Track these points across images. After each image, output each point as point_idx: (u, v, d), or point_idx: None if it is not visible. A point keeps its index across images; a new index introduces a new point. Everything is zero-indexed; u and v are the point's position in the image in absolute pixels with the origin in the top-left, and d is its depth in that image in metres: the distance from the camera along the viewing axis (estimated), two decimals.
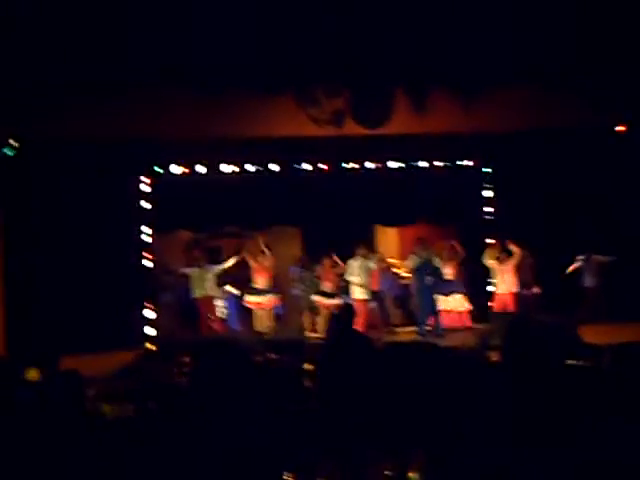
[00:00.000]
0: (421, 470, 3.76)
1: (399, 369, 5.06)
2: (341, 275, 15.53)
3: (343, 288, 15.53)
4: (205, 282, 15.53)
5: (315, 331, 15.42)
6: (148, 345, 14.44)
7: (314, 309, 15.77)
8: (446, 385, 4.31)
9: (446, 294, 15.88)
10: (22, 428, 3.92)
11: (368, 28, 11.92)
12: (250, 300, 15.35)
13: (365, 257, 15.12)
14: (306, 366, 8.86)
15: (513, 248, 15.29)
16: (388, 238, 19.01)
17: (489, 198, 17.11)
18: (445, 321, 15.71)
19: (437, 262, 15.58)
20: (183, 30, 11.77)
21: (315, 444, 3.98)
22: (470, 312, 16.18)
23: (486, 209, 17.16)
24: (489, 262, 15.76)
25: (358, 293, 15.05)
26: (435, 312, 15.36)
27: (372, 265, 15.18)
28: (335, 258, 15.57)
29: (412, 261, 15.53)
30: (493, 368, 4.56)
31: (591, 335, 11.83)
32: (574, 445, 3.50)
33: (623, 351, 5.08)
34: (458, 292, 16.11)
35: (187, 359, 8.66)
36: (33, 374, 8.52)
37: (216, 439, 3.30)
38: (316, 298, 15.49)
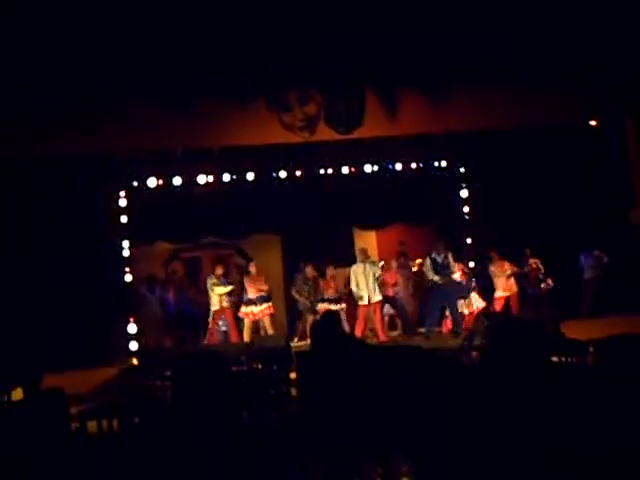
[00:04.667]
0: (410, 476, 3.76)
1: (383, 372, 5.06)
2: (345, 282, 15.57)
3: (345, 294, 15.58)
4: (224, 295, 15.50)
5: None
6: (133, 360, 14.34)
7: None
8: (430, 387, 4.31)
9: (461, 297, 15.87)
10: (6, 448, 3.89)
11: (336, 33, 11.92)
12: (244, 310, 15.34)
13: (366, 261, 15.11)
14: (292, 375, 8.88)
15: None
16: (367, 241, 19.01)
17: (466, 198, 17.13)
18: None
19: (451, 263, 15.47)
20: (153, 43, 11.73)
21: (302, 453, 3.97)
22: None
23: (465, 209, 17.17)
24: (490, 266, 15.85)
25: (363, 298, 15.02)
26: (454, 313, 15.31)
27: (377, 270, 15.20)
28: (331, 270, 15.68)
29: (428, 262, 15.46)
30: (474, 369, 4.56)
31: (574, 330, 11.95)
32: (562, 442, 3.51)
33: (606, 346, 5.09)
34: (470, 292, 16.11)
35: (170, 373, 8.64)
36: (17, 394, 8.48)
37: (201, 452, 3.29)
38: (322, 306, 15.45)
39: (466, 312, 15.79)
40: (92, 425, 5.83)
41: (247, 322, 15.28)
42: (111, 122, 12.78)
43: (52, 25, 11.07)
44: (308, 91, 13.30)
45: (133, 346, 14.78)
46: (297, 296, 16.15)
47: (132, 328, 14.91)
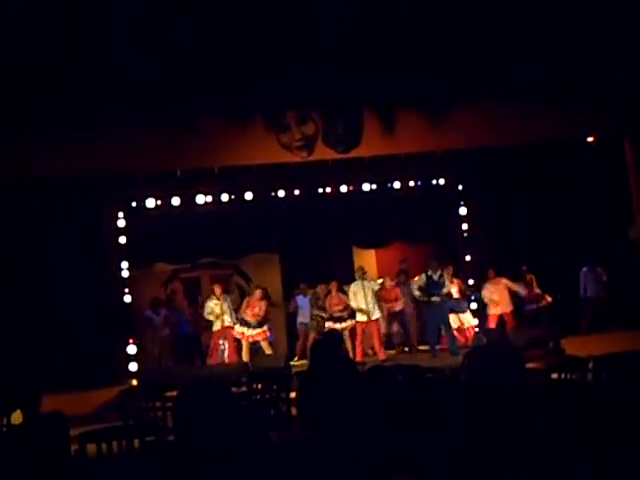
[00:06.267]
0: None
1: (381, 393, 5.05)
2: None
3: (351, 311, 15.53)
4: (224, 314, 15.47)
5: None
6: (133, 381, 14.30)
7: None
8: (428, 407, 4.30)
9: (457, 312, 15.88)
10: (5, 472, 3.88)
11: (334, 53, 11.96)
12: (238, 330, 15.30)
13: (364, 278, 15.18)
14: (292, 394, 8.85)
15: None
16: (366, 260, 19.01)
17: (465, 215, 17.13)
18: (461, 340, 15.70)
19: (445, 281, 15.49)
20: (152, 63, 11.76)
21: (302, 473, 3.96)
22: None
23: (464, 227, 17.16)
24: (486, 284, 15.86)
25: (362, 315, 15.06)
26: (448, 330, 15.33)
27: (375, 286, 15.33)
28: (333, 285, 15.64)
29: (421, 280, 15.47)
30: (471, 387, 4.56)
31: (574, 347, 11.94)
32: (561, 457, 3.50)
33: (607, 363, 5.09)
34: (465, 310, 16.15)
35: (171, 394, 8.63)
36: (16, 417, 8.46)
37: (201, 475, 3.28)
38: (328, 324, 15.46)
39: (455, 327, 15.77)
40: (92, 447, 5.82)
41: (245, 343, 15.27)
42: (109, 142, 12.77)
43: (53, 44, 11.10)
44: (306, 111, 13.32)
45: (133, 367, 14.75)
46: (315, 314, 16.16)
47: (132, 349, 14.89)
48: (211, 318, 15.44)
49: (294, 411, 8.53)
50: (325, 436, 5.33)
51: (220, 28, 11.36)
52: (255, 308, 15.27)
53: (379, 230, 17.22)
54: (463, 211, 17.16)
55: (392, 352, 16.27)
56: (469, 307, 16.32)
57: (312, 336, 15.92)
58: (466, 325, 16.05)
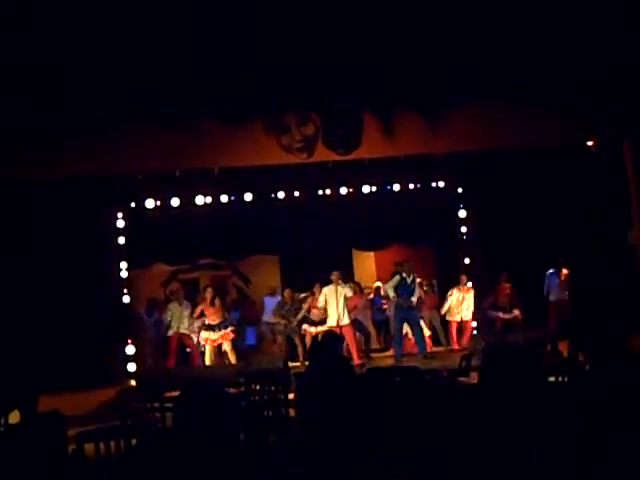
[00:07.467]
0: None
1: (381, 395, 5.05)
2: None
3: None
4: (183, 319, 15.47)
5: (296, 360, 15.36)
6: (131, 381, 14.30)
7: (293, 338, 15.76)
8: (429, 410, 4.30)
9: (409, 322, 15.66)
10: (3, 472, 3.88)
11: (334, 54, 11.95)
12: (203, 336, 15.18)
13: (338, 283, 15.00)
14: (290, 396, 8.84)
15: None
16: (365, 262, 19.02)
17: (464, 218, 17.14)
18: (408, 347, 15.61)
19: (416, 287, 15.30)
20: (151, 65, 11.76)
21: (300, 476, 3.96)
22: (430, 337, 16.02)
23: (463, 229, 17.18)
24: (451, 290, 15.83)
25: (331, 320, 14.82)
26: (398, 335, 15.13)
27: (348, 292, 15.06)
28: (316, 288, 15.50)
29: (393, 283, 15.31)
30: (472, 390, 4.55)
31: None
32: (561, 462, 3.50)
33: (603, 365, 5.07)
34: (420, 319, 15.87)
35: (169, 395, 8.64)
36: (14, 416, 8.46)
37: (198, 476, 3.28)
38: (304, 327, 15.40)
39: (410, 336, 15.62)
40: (90, 447, 5.82)
41: (209, 347, 15.12)
42: (109, 143, 12.74)
43: (54, 46, 11.10)
44: (306, 112, 13.30)
45: (131, 367, 14.75)
46: (278, 319, 16.02)
47: (130, 349, 14.90)
48: (169, 321, 15.47)
49: (292, 412, 8.54)
50: (323, 438, 5.33)
51: (219, 29, 11.36)
52: (212, 313, 15.09)
53: (378, 232, 17.20)
54: (462, 214, 17.18)
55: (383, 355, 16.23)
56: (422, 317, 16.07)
57: (280, 340, 15.89)
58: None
